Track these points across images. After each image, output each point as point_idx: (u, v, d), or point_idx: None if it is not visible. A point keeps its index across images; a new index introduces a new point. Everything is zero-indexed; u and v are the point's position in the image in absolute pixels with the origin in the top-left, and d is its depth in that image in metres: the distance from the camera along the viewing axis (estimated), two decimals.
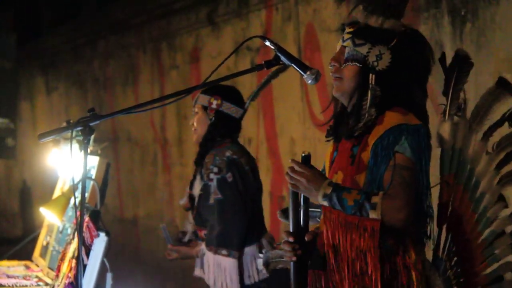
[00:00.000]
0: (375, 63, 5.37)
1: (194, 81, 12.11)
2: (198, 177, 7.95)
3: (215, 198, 7.73)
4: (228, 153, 7.87)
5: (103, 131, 7.91)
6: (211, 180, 7.75)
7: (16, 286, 7.31)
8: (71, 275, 6.37)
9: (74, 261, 6.30)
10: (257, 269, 7.73)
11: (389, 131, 5.30)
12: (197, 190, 7.89)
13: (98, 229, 6.15)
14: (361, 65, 5.41)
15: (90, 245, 6.07)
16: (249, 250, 7.86)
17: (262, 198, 8.20)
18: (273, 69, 6.23)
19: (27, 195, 22.34)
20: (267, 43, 5.64)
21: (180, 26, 13.73)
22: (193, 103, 8.17)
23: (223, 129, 8.04)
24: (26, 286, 7.30)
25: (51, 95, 21.40)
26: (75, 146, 7.43)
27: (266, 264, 5.81)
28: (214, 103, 8.05)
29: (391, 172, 5.21)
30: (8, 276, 7.67)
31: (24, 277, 7.63)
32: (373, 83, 5.39)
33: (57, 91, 21.43)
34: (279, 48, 5.55)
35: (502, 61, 6.37)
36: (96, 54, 18.18)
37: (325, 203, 5.22)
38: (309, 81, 5.57)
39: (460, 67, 5.66)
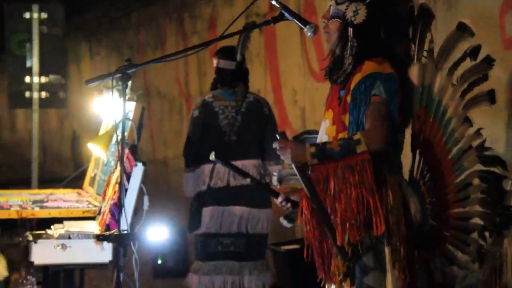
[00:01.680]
0: (353, 18, 5.42)
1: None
2: None
3: None
4: (206, 97, 8.49)
5: (137, 87, 7.90)
6: None
7: (71, 208, 7.41)
8: (115, 197, 6.46)
9: (117, 186, 6.38)
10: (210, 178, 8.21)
11: (365, 78, 5.34)
12: None
13: (136, 159, 6.24)
14: (341, 21, 5.48)
15: (130, 173, 6.18)
16: (206, 166, 8.26)
17: None
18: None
19: (76, 141, 22.38)
20: (273, 2, 5.74)
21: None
22: None
23: (220, 80, 8.45)
24: (79, 207, 7.39)
25: (94, 59, 21.57)
26: (116, 94, 7.54)
27: (280, 180, 5.81)
28: (215, 62, 8.49)
29: (371, 111, 5.29)
30: (64, 201, 7.77)
31: (77, 201, 7.73)
32: (351, 36, 5.46)
33: (99, 55, 21.58)
34: (284, 6, 5.66)
35: (466, 16, 6.42)
36: (130, 24, 18.26)
37: (315, 161, 5.21)
38: (309, 34, 5.66)
39: (424, 18, 5.76)
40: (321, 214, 5.25)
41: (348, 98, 5.41)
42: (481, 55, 5.72)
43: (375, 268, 5.39)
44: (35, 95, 11.15)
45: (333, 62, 5.64)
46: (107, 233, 6.09)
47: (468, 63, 5.72)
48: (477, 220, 5.77)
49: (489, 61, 5.73)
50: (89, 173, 8.16)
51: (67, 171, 19.36)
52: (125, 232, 5.73)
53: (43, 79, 11.11)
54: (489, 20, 6.90)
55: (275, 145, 5.26)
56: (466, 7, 7.23)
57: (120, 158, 5.83)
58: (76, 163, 20.83)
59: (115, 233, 5.78)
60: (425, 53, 5.83)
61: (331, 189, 5.20)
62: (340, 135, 5.41)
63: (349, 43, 5.48)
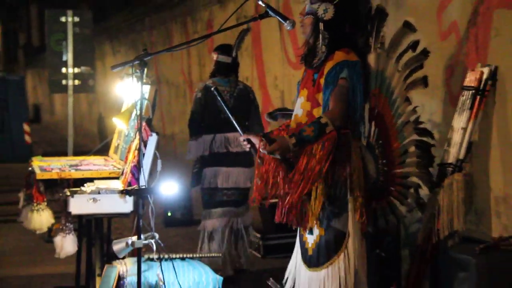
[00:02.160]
0: (323, 15, 5.43)
1: (209, 42, 12.00)
2: None
3: None
4: (207, 82, 8.48)
5: (150, 74, 7.89)
6: None
7: (100, 170, 7.33)
8: (135, 160, 6.39)
9: (136, 152, 6.31)
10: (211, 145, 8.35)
11: (336, 65, 5.36)
12: None
13: (151, 130, 6.16)
14: (314, 17, 5.48)
15: (146, 141, 6.09)
16: (207, 136, 8.31)
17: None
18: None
19: (102, 122, 22.31)
20: (260, 2, 5.66)
21: (199, 4, 13.65)
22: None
23: (217, 71, 8.51)
24: (106, 170, 7.31)
25: (116, 56, 21.55)
26: (135, 78, 7.44)
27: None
28: (215, 56, 8.51)
29: (336, 93, 5.32)
30: (94, 165, 7.69)
31: (104, 165, 7.64)
32: (322, 29, 5.45)
33: (119, 52, 21.56)
34: (268, 5, 5.60)
35: (410, 15, 6.37)
36: (144, 27, 18.21)
37: (297, 149, 5.24)
38: (288, 27, 5.62)
39: (379, 17, 5.91)
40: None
41: (321, 81, 5.41)
42: (420, 48, 5.95)
43: (339, 214, 5.36)
44: (70, 82, 11.16)
45: (308, 50, 5.59)
46: (129, 188, 6.03)
47: (410, 54, 5.97)
48: (414, 179, 5.96)
49: (425, 53, 5.99)
50: (113, 143, 8.07)
51: (94, 145, 19.30)
52: (144, 187, 5.68)
53: (76, 70, 11.12)
54: (429, 17, 6.83)
55: (262, 148, 5.36)
56: (411, 7, 7.16)
57: (139, 129, 5.82)
58: (101, 138, 20.75)
59: (136, 188, 5.73)
60: (379, 45, 5.98)
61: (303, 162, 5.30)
62: (315, 110, 5.42)
63: (320, 35, 5.45)
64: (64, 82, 11.11)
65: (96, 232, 7.52)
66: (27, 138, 21.11)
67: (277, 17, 5.69)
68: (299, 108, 5.57)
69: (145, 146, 6.09)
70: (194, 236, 8.49)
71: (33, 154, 13.59)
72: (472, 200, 6.03)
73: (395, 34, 6.10)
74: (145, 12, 17.59)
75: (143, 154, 5.98)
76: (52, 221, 7.21)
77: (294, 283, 5.72)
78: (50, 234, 10.08)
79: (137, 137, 6.57)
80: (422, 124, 5.98)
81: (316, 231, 5.41)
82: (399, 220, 6.32)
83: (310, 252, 5.47)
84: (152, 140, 6.05)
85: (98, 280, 7.08)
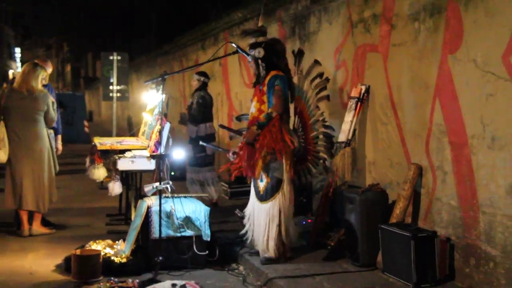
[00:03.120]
0: (258, 55, 5.59)
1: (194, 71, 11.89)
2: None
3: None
4: (202, 93, 8.08)
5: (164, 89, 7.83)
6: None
7: (134, 144, 7.21)
8: (156, 138, 6.30)
9: (157, 133, 6.23)
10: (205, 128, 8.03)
11: (271, 77, 5.52)
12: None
13: (167, 121, 6.08)
14: (254, 58, 5.63)
15: (163, 127, 5.99)
16: (203, 124, 8.02)
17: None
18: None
19: (130, 120, 22.01)
20: (233, 45, 5.64)
21: (190, 51, 13.48)
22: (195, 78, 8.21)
23: (202, 89, 8.12)
24: (138, 144, 7.18)
25: (139, 81, 20.80)
26: (157, 90, 7.37)
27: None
28: (201, 79, 8.16)
29: (275, 94, 5.42)
30: (130, 142, 7.57)
31: (136, 142, 7.53)
32: (260, 62, 5.62)
33: (141, 79, 20.97)
34: (238, 46, 5.58)
35: (319, 54, 6.38)
36: (156, 64, 17.71)
37: (259, 131, 5.40)
38: (249, 59, 5.61)
39: (299, 54, 5.96)
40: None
41: (264, 89, 5.54)
42: (325, 76, 6.03)
43: (278, 168, 5.45)
44: (114, 94, 10.97)
45: (255, 76, 5.69)
46: (154, 154, 5.94)
47: (318, 80, 6.03)
48: (322, 154, 5.98)
49: (327, 79, 6.05)
50: (141, 130, 7.94)
51: (125, 134, 19.02)
52: (163, 153, 5.62)
53: (117, 87, 10.96)
54: (329, 55, 6.82)
55: (243, 138, 5.58)
56: (319, 49, 7.15)
57: (160, 119, 5.75)
58: (129, 129, 20.43)
59: (158, 154, 5.64)
60: (300, 71, 6.05)
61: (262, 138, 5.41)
62: (262, 106, 5.52)
63: (260, 65, 5.58)
64: (111, 94, 10.98)
65: (132, 181, 7.44)
66: (86, 129, 21.35)
67: (243, 53, 5.69)
68: (253, 108, 5.62)
69: (162, 130, 6.01)
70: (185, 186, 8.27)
71: (89, 139, 13.39)
72: (355, 163, 6.04)
73: (309, 66, 6.12)
74: (157, 55, 17.36)
75: (162, 134, 5.92)
76: (106, 174, 7.10)
77: (250, 213, 5.74)
78: (102, 184, 10.02)
79: (158, 124, 6.51)
80: (327, 122, 6.01)
81: (264, 179, 5.45)
82: (312, 178, 6.30)
83: (261, 192, 5.51)
84: (167, 126, 5.98)
85: (133, 210, 7.00)
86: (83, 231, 7.17)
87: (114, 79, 10.86)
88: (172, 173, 10.80)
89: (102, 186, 10.10)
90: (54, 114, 6.92)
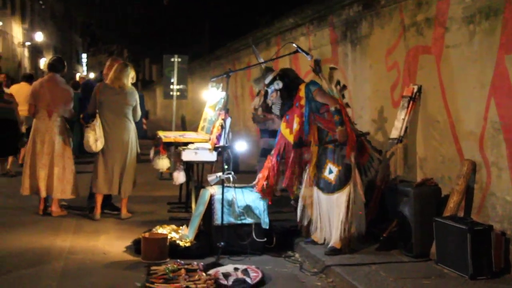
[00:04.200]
0: (278, 86, 5.32)
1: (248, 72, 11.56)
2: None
3: None
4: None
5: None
6: None
7: (195, 138, 6.99)
8: (218, 131, 6.09)
9: (219, 127, 6.03)
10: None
11: (305, 88, 5.26)
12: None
13: (228, 116, 5.82)
14: (276, 91, 5.37)
15: (225, 120, 5.79)
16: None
17: None
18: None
19: (184, 118, 21.92)
20: (294, 45, 5.37)
21: (243, 54, 13.25)
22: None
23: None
24: (198, 137, 6.94)
25: (193, 82, 20.69)
26: (219, 87, 7.17)
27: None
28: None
29: (319, 95, 5.19)
30: (191, 135, 7.37)
31: (197, 135, 7.31)
32: (281, 91, 5.33)
33: (195, 81, 20.87)
34: (298, 46, 5.32)
35: (372, 56, 6.06)
36: (210, 68, 17.61)
37: (344, 127, 5.10)
38: (309, 58, 5.34)
39: (317, 63, 5.51)
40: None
41: (302, 102, 5.25)
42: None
43: (345, 156, 5.15)
44: (174, 93, 10.84)
45: (282, 107, 5.40)
46: (218, 145, 5.74)
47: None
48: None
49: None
50: (200, 125, 7.70)
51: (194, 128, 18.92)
52: (227, 145, 5.41)
53: (177, 86, 10.80)
54: (381, 57, 6.50)
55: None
56: (371, 51, 6.83)
57: (224, 114, 5.57)
58: (183, 127, 20.19)
59: (223, 145, 5.43)
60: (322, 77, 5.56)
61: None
62: (298, 120, 5.25)
63: (283, 93, 5.34)
64: (171, 93, 10.83)
65: (192, 171, 7.22)
66: (144, 126, 21.14)
67: (303, 52, 5.43)
68: (295, 124, 5.29)
69: (224, 123, 5.81)
70: (240, 178, 8.09)
71: (147, 135, 13.15)
72: (406, 158, 5.74)
73: (329, 73, 5.76)
74: (210, 60, 17.20)
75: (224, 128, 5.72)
76: (169, 165, 6.91)
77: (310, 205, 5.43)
78: (162, 175, 9.90)
79: (220, 118, 6.31)
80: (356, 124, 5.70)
81: (334, 169, 5.16)
82: (375, 171, 5.72)
83: (333, 182, 5.18)
84: (228, 121, 5.76)
85: (193, 198, 6.81)
86: (148, 217, 7.03)
87: (174, 79, 10.70)
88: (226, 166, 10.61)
89: (162, 177, 10.03)
90: (139, 109, 6.85)
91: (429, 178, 5.26)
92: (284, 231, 5.92)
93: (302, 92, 5.27)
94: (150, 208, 7.60)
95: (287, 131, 5.38)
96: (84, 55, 62.04)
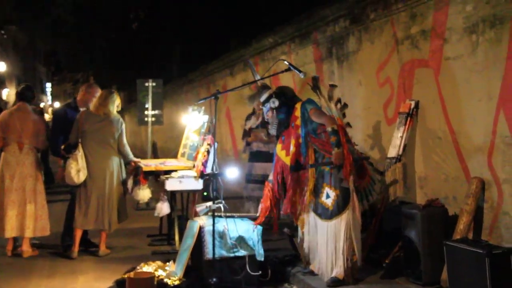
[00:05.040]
0: (274, 105, 5.02)
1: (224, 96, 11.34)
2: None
3: None
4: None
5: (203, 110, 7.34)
6: None
7: (178, 165, 6.57)
8: (204, 158, 5.75)
9: (205, 152, 5.69)
10: None
11: (301, 108, 4.97)
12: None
13: (214, 141, 5.46)
14: (271, 109, 5.06)
15: (211, 146, 5.43)
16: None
17: None
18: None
19: (155, 147, 21.39)
20: (285, 63, 5.05)
21: (217, 77, 12.92)
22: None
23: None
24: (181, 165, 6.54)
25: (171, 107, 20.40)
26: (200, 111, 6.80)
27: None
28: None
29: (315, 115, 4.86)
30: (172, 163, 6.92)
31: (178, 162, 6.90)
32: (278, 110, 5.04)
33: (170, 106, 20.42)
34: (290, 64, 4.99)
35: (362, 73, 5.82)
36: (182, 92, 17.24)
37: (340, 149, 4.72)
38: (301, 76, 5.01)
39: (315, 80, 5.17)
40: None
41: (297, 122, 4.95)
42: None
43: (344, 179, 4.78)
44: (149, 119, 10.42)
45: (279, 124, 5.09)
46: (207, 173, 5.35)
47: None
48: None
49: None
50: (180, 151, 7.31)
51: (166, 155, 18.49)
52: (217, 172, 4.99)
53: (152, 112, 10.38)
54: (371, 73, 6.25)
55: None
56: (359, 68, 6.59)
57: (211, 139, 5.20)
58: (154, 154, 19.78)
59: (213, 173, 4.99)
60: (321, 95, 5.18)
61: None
62: (294, 141, 4.94)
63: (280, 112, 5.04)
64: (146, 119, 10.42)
65: (175, 201, 6.78)
66: None
67: (295, 70, 5.10)
68: (292, 147, 4.95)
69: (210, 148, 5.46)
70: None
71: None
72: (406, 178, 5.45)
73: (328, 90, 5.33)
74: (184, 83, 16.79)
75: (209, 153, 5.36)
76: (150, 195, 6.49)
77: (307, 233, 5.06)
78: (138, 205, 9.45)
79: (205, 143, 5.95)
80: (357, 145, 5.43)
81: (332, 193, 4.77)
82: (376, 195, 5.29)
83: (331, 208, 4.79)
84: (215, 145, 5.38)
85: (176, 229, 6.40)
86: (128, 252, 6.58)
87: (149, 104, 10.29)
88: (205, 194, 10.22)
89: (138, 207, 9.57)
90: (125, 140, 6.42)
91: (434, 198, 4.96)
92: (278, 262, 5.54)
93: (297, 112, 4.95)
94: (129, 242, 7.13)
95: (283, 153, 5.04)
96: (48, 84, 61.01)
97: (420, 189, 5.48)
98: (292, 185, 4.95)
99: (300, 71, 5.04)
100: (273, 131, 5.11)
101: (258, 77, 5.91)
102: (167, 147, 17.64)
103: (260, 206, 5.17)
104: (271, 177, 5.14)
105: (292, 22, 8.27)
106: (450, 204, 4.99)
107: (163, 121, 10.74)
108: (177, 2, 19.67)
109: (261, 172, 7.04)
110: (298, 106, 4.98)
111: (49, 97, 59.64)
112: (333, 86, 5.24)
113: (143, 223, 8.22)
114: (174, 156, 7.64)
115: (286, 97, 5.05)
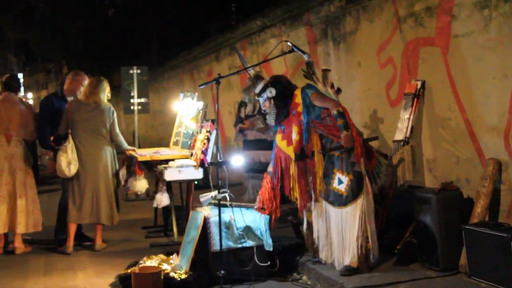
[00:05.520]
0: (271, 94, 4.76)
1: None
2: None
3: None
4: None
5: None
6: None
7: (173, 154, 6.33)
8: (204, 146, 5.52)
9: (205, 140, 5.45)
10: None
11: (301, 93, 4.74)
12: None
13: (215, 128, 5.26)
14: (268, 99, 4.81)
15: (211, 132, 5.20)
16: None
17: None
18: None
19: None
20: (289, 43, 4.82)
21: (203, 62, 12.64)
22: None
23: None
24: (176, 154, 6.31)
25: (154, 93, 19.98)
26: (193, 97, 6.56)
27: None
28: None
29: (317, 99, 4.65)
30: (166, 152, 6.67)
31: (171, 151, 6.65)
32: (275, 99, 4.80)
33: (158, 91, 19.99)
34: (293, 45, 4.77)
35: (361, 54, 5.63)
36: (170, 77, 16.90)
37: (349, 132, 4.54)
38: (305, 58, 4.79)
39: (309, 65, 4.93)
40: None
41: (298, 109, 4.71)
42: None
43: (356, 163, 4.57)
44: (135, 107, 10.10)
45: (277, 116, 4.83)
46: (211, 161, 5.12)
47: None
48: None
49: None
50: (172, 140, 7.08)
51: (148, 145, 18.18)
52: (222, 160, 4.74)
53: (138, 100, 10.06)
54: (371, 54, 6.06)
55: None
56: (358, 49, 6.39)
57: (210, 126, 4.95)
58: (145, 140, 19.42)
59: (218, 161, 4.74)
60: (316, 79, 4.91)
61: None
62: (297, 128, 4.71)
63: (277, 101, 4.79)
64: (132, 107, 10.10)
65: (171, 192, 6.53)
66: None
67: (299, 51, 4.88)
68: (294, 134, 4.72)
69: (212, 136, 5.23)
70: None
71: None
72: (415, 161, 5.29)
73: (322, 75, 5.11)
74: (164, 71, 16.41)
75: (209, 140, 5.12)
76: (147, 186, 6.25)
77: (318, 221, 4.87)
78: (127, 196, 9.19)
79: (204, 131, 5.72)
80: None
81: (345, 178, 4.57)
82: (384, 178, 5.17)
83: (345, 194, 4.59)
84: (215, 132, 5.17)
85: (174, 221, 6.17)
86: (125, 245, 6.35)
87: (134, 92, 9.96)
88: (196, 182, 10.02)
89: (127, 198, 9.31)
90: (118, 129, 6.11)
91: (448, 182, 4.79)
92: (285, 251, 5.35)
93: (298, 98, 4.73)
94: (124, 234, 6.88)
95: (284, 143, 4.81)
96: (20, 75, 59.87)
97: (428, 172, 5.33)
98: (299, 175, 4.74)
99: (304, 52, 4.83)
100: (271, 121, 4.88)
101: (247, 64, 5.66)
102: (149, 136, 17.31)
103: (258, 198, 4.95)
104: (270, 169, 4.93)
105: (280, 3, 8.04)
106: (463, 186, 4.84)
107: (149, 109, 10.43)
108: None
109: (260, 160, 6.77)
110: (297, 92, 4.77)
111: (22, 88, 58.54)
112: (326, 71, 5.02)
113: (135, 214, 7.99)
114: (157, 145, 7.39)
115: (282, 85, 4.83)
